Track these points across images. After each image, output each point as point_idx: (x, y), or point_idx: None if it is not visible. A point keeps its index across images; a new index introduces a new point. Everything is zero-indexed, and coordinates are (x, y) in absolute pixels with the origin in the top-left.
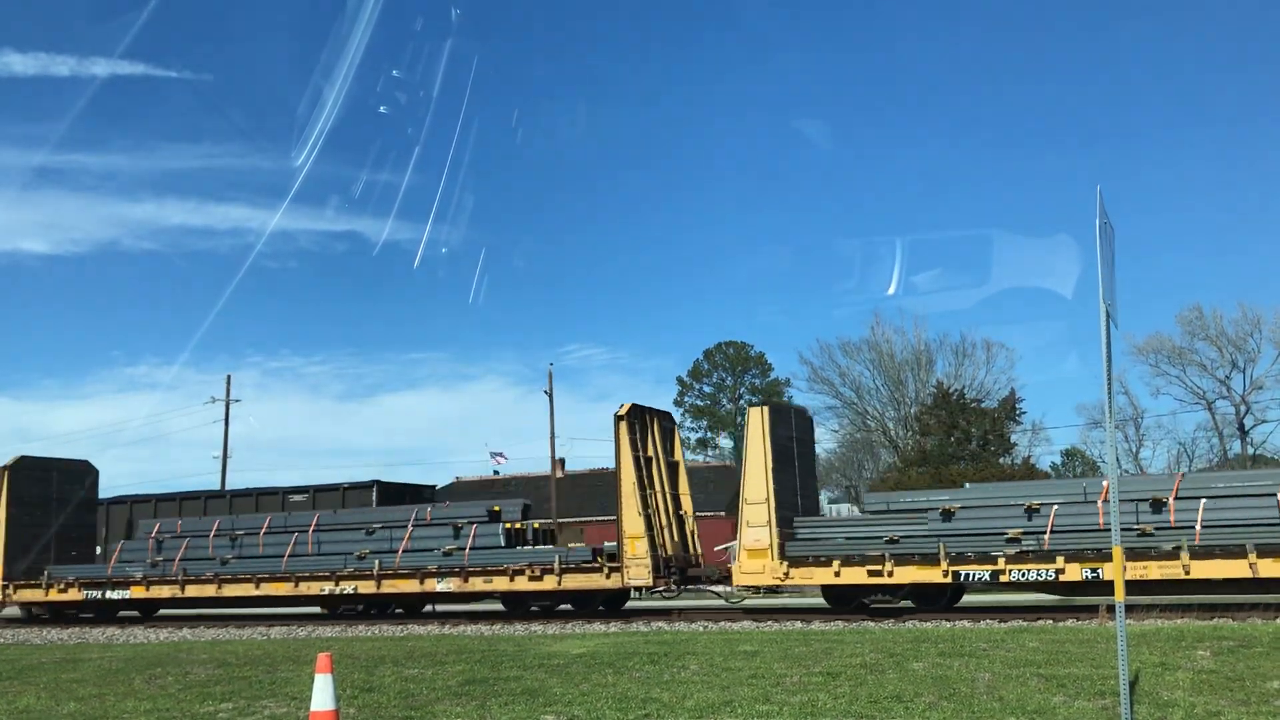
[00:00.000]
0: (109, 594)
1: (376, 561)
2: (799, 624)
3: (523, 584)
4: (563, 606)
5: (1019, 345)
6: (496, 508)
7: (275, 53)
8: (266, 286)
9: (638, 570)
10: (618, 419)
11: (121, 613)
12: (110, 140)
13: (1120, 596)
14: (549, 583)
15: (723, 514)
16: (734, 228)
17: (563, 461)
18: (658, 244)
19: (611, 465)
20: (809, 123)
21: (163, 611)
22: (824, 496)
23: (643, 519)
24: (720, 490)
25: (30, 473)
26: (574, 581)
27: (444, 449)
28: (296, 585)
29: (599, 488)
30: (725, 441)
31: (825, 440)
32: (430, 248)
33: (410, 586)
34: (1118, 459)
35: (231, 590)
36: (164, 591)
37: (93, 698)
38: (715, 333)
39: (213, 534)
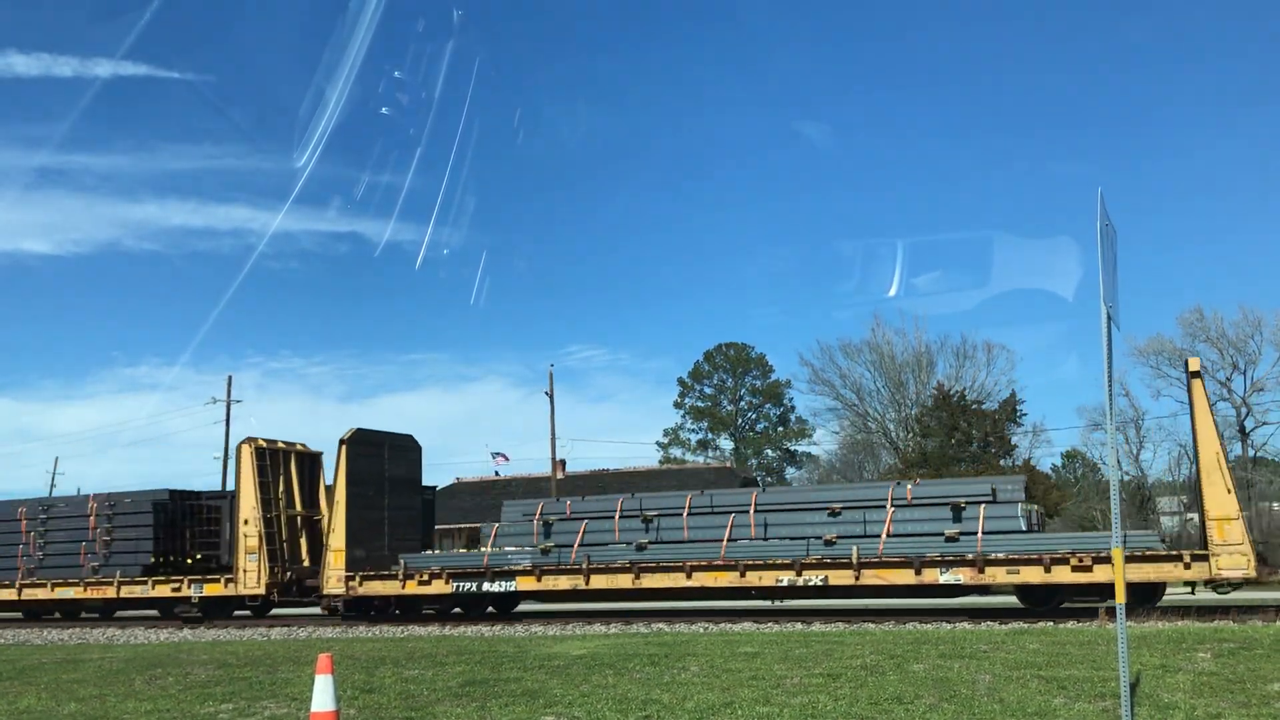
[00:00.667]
0: (486, 586)
1: (854, 548)
2: (799, 625)
3: (1063, 575)
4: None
5: (1020, 347)
6: (993, 487)
7: (278, 54)
8: (268, 287)
9: (1233, 559)
10: (1192, 375)
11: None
12: (112, 141)
13: (1121, 599)
14: (1100, 574)
15: None
16: (734, 229)
17: (563, 463)
18: (658, 245)
19: (611, 467)
20: (809, 123)
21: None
22: None
23: (1232, 497)
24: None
25: (365, 448)
26: (1138, 572)
27: (445, 450)
28: (743, 575)
29: (600, 489)
30: (726, 443)
31: (825, 442)
32: (432, 249)
33: (902, 577)
34: (1119, 461)
35: (653, 581)
36: (561, 582)
37: (93, 698)
38: (716, 334)
39: (618, 514)
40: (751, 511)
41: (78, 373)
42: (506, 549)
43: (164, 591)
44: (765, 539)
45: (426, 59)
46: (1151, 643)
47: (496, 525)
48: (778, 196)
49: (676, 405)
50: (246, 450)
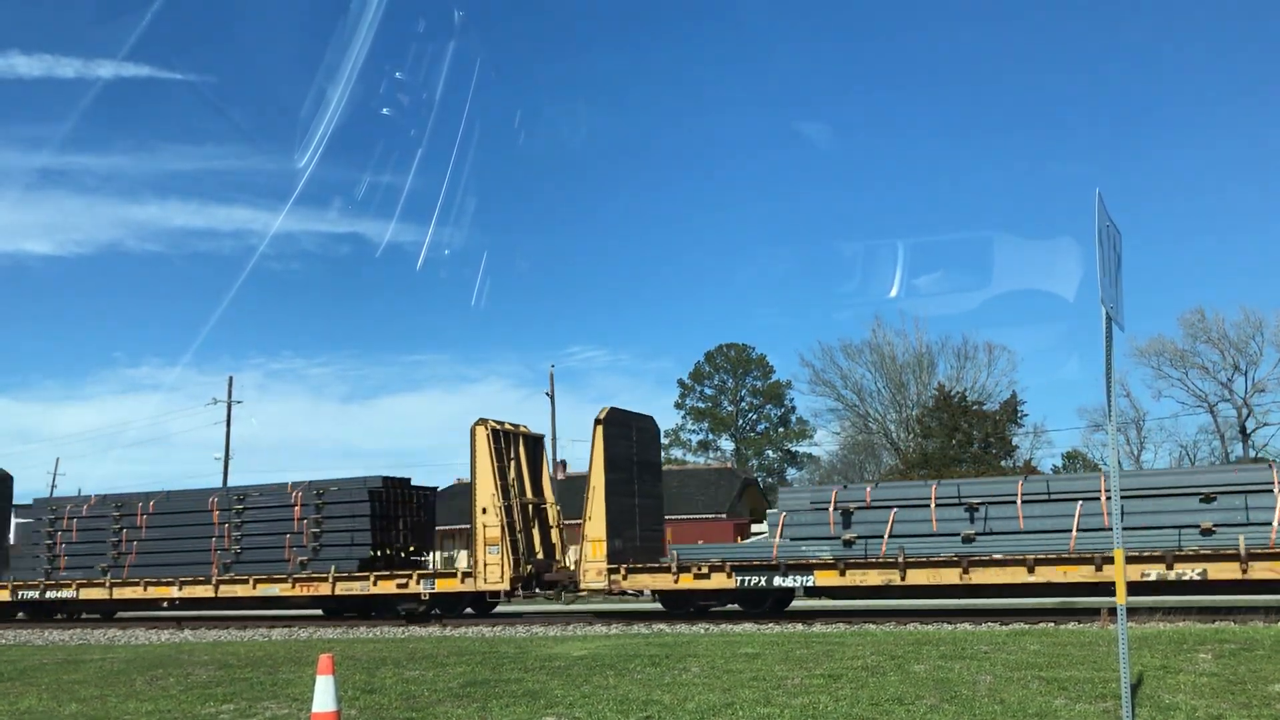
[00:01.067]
0: (778, 580)
1: (1240, 538)
2: (800, 626)
3: None
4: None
5: (1021, 348)
6: None
7: (279, 55)
8: (269, 288)
9: None
10: None
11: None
12: (114, 141)
13: (1122, 599)
14: None
15: (724, 515)
16: (735, 229)
17: (564, 463)
18: (658, 245)
19: None
20: (809, 123)
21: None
22: None
23: None
24: (721, 491)
25: (618, 429)
26: None
27: (446, 451)
28: (1099, 569)
29: None
30: (726, 444)
31: (826, 443)
32: (433, 249)
33: None
34: (1119, 462)
35: (985, 576)
36: (870, 577)
37: (94, 699)
38: (716, 335)
39: (933, 502)
40: (1103, 498)
41: (79, 373)
42: (795, 540)
43: (388, 588)
44: (1126, 528)
45: (427, 60)
46: (1152, 644)
47: (782, 515)
48: (778, 196)
49: (677, 406)
50: (481, 432)
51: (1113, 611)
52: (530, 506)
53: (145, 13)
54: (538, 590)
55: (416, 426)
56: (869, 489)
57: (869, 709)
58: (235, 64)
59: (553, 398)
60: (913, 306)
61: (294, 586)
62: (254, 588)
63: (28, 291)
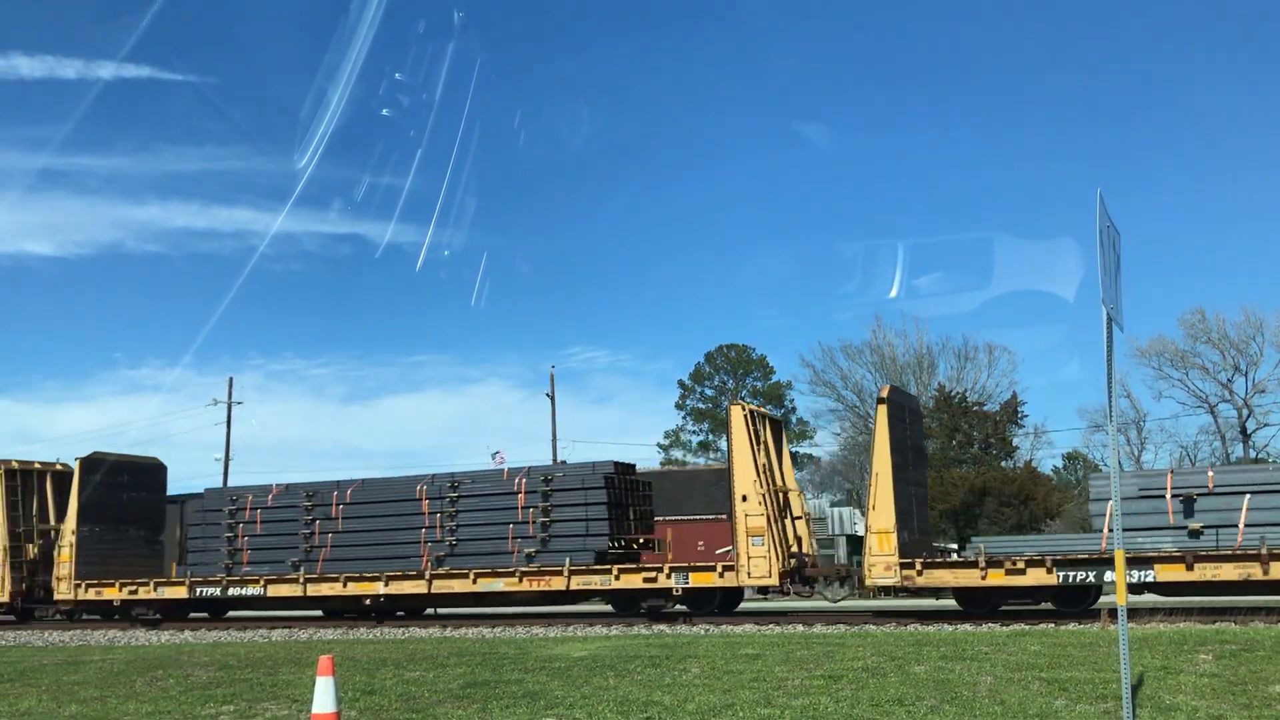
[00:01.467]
0: (1109, 575)
1: None
2: (800, 627)
3: None
4: None
5: (1021, 348)
6: None
7: (279, 55)
8: (269, 289)
9: None
10: None
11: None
12: (114, 142)
13: (1122, 600)
14: None
15: (724, 516)
16: (735, 229)
17: (564, 464)
18: (659, 246)
19: None
20: (809, 123)
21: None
22: (825, 500)
23: None
24: (722, 491)
25: (898, 409)
26: None
27: (446, 451)
28: None
29: None
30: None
31: (827, 444)
32: (433, 250)
33: None
34: (1120, 463)
35: None
36: (1223, 571)
37: (94, 700)
38: (716, 335)
39: None
40: None
41: (79, 374)
42: (1122, 531)
43: (633, 582)
44: None
45: (427, 60)
46: (1153, 644)
47: (1109, 503)
48: (778, 196)
49: (678, 407)
50: (738, 413)
51: (1113, 612)
52: (781, 495)
53: (145, 13)
54: (793, 589)
55: (416, 427)
56: (1210, 472)
57: (869, 710)
58: (235, 64)
59: (553, 398)
60: (913, 307)
61: (521, 581)
62: (474, 582)
63: (28, 292)
